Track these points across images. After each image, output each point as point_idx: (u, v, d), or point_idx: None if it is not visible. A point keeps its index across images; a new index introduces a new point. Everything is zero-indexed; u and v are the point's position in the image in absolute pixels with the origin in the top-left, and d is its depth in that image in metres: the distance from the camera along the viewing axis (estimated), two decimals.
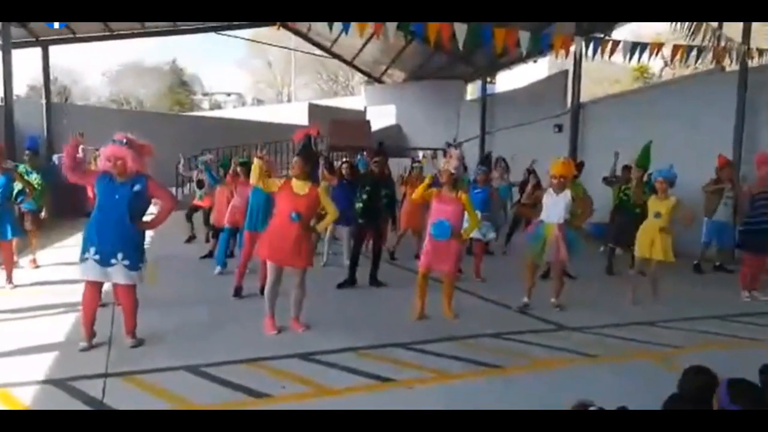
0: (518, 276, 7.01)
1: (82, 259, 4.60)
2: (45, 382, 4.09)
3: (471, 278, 7.77)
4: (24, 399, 3.80)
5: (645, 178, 7.96)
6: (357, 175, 8.24)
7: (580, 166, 9.29)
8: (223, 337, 5.18)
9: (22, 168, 7.79)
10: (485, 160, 10.90)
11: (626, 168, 9.57)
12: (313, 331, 5.37)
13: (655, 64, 23.27)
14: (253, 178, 5.34)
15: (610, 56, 8.23)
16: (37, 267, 8.01)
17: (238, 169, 7.72)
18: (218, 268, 7.80)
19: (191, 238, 10.32)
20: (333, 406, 3.85)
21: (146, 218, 4.81)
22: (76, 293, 6.36)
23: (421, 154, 18.74)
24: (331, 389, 4.10)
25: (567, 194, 6.24)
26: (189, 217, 10.33)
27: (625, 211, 8.45)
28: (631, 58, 8.40)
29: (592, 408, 2.32)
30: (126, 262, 4.58)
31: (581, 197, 7.61)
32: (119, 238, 4.57)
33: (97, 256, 4.54)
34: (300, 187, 5.21)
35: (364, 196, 7.28)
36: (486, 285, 7.58)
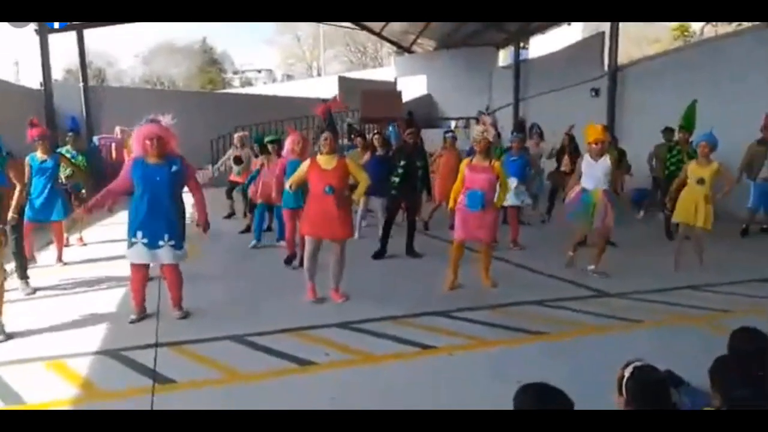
0: (557, 244, 6.96)
1: (131, 244, 4.73)
2: (99, 353, 4.26)
3: (508, 247, 7.70)
4: (79, 369, 3.97)
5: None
6: (392, 150, 8.19)
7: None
8: (265, 308, 5.29)
9: (64, 150, 8.00)
10: (519, 126, 10.71)
11: (668, 130, 9.29)
12: (353, 301, 5.43)
13: (696, 23, 22.29)
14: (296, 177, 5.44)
15: None
16: (85, 245, 8.29)
17: (269, 146, 7.78)
18: (253, 242, 7.95)
19: (231, 215, 10.49)
20: (376, 373, 3.92)
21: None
22: (123, 268, 6.57)
23: (453, 123, 18.55)
24: (373, 356, 4.16)
25: (606, 159, 6.12)
26: (229, 194, 10.51)
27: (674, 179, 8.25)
28: None
29: (638, 364, 2.26)
30: (172, 243, 4.75)
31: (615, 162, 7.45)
32: (165, 220, 4.72)
33: (145, 240, 4.69)
34: (327, 161, 5.26)
35: (401, 170, 7.23)
36: (525, 253, 7.50)
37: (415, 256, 7.30)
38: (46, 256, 7.36)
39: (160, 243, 4.71)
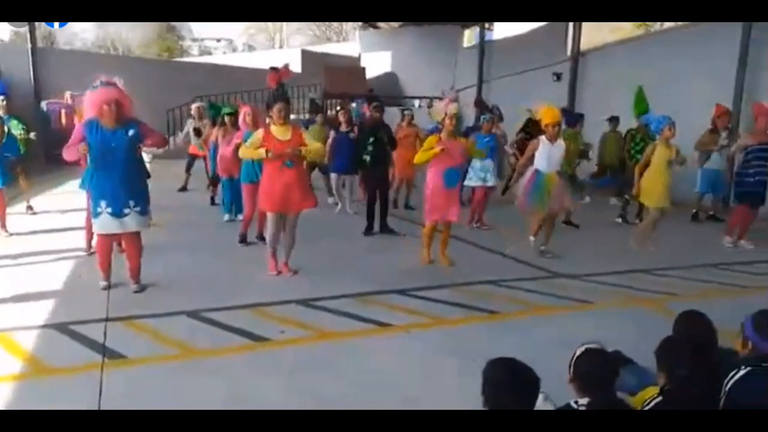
0: (515, 225, 7.08)
1: (96, 214, 4.57)
2: (46, 326, 4.11)
3: (472, 227, 7.79)
4: (25, 343, 3.83)
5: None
6: (362, 126, 8.03)
7: (580, 118, 9.29)
8: (223, 284, 5.20)
9: None
10: (481, 105, 10.72)
11: (613, 119, 9.49)
12: (311, 278, 5.39)
13: None
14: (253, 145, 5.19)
15: None
16: (34, 213, 7.97)
17: (226, 118, 7.60)
18: (226, 216, 7.75)
19: (184, 188, 10.21)
20: (330, 349, 3.91)
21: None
22: (72, 239, 6.37)
23: (417, 102, 18.50)
24: (329, 333, 4.15)
25: (561, 142, 6.20)
26: (189, 168, 10.20)
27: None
28: None
29: (592, 346, 2.35)
30: (138, 209, 4.61)
31: (577, 148, 7.59)
32: (127, 187, 4.54)
33: (109, 209, 4.50)
34: (282, 132, 5.15)
35: (370, 147, 7.16)
36: (483, 233, 7.60)
37: (390, 233, 7.29)
38: None
39: (126, 210, 4.54)
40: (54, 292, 4.83)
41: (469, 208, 7.98)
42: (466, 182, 7.76)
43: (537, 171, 6.20)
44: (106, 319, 4.23)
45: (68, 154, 4.53)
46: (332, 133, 8.29)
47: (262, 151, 5.06)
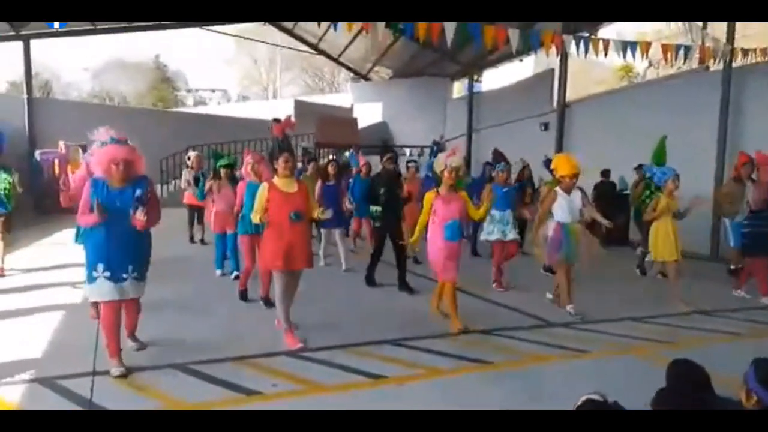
0: (510, 273, 7.03)
1: (92, 278, 4.11)
2: (32, 381, 4.03)
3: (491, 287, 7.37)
4: (10, 398, 3.74)
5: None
6: (373, 176, 7.86)
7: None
8: (213, 336, 5.13)
9: None
10: (499, 156, 10.69)
11: (640, 167, 9.35)
12: (304, 330, 5.32)
13: (639, 65, 23.45)
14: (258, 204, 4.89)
15: (605, 55, 8.26)
16: (2, 276, 7.30)
17: (221, 171, 7.32)
18: (218, 272, 7.53)
19: (193, 239, 10.05)
20: (324, 403, 3.84)
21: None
22: (59, 292, 6.29)
23: (408, 151, 18.78)
24: (321, 386, 4.08)
25: (578, 192, 6.11)
26: (191, 219, 9.97)
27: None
28: (625, 56, 8.50)
29: (593, 396, 2.33)
30: (135, 274, 4.19)
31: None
32: (129, 250, 4.14)
33: (107, 273, 4.07)
34: (288, 185, 4.89)
35: (382, 198, 6.97)
36: (475, 283, 7.47)
37: (409, 291, 6.92)
38: None
39: (124, 275, 4.11)
40: (40, 347, 4.73)
41: (491, 263, 7.55)
42: (485, 236, 7.46)
43: (561, 224, 6.01)
44: (93, 374, 4.15)
45: (84, 220, 4.12)
46: (319, 183, 7.99)
47: (257, 216, 4.78)
